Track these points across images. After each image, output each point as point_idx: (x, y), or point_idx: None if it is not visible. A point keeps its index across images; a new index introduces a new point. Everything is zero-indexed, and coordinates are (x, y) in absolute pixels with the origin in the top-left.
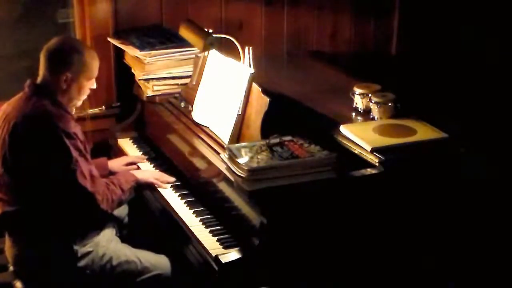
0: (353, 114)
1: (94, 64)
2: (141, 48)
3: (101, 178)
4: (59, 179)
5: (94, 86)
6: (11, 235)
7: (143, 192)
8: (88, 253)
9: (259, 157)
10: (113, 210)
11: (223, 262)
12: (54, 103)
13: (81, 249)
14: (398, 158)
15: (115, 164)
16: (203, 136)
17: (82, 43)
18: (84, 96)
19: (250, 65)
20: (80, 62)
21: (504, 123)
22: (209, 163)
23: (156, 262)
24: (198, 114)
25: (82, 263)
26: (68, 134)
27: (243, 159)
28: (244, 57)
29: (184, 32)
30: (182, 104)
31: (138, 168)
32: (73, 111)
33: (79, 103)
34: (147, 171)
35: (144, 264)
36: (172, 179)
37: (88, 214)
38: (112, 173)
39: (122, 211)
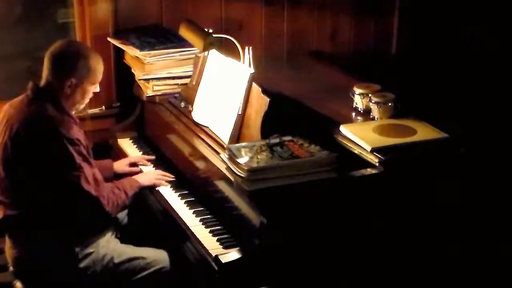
0: (353, 114)
1: (98, 69)
2: (141, 48)
3: (106, 182)
4: (63, 185)
5: (98, 89)
6: (12, 237)
7: (143, 192)
8: (89, 254)
9: (259, 157)
10: (117, 214)
11: (223, 262)
12: (57, 107)
13: (82, 251)
14: (398, 158)
15: (119, 165)
16: (203, 136)
17: (87, 47)
18: (87, 100)
19: (250, 65)
20: (85, 67)
21: (504, 123)
22: (209, 163)
23: (157, 256)
24: (198, 114)
25: (83, 264)
26: (71, 141)
27: (243, 159)
28: (244, 57)
29: (184, 32)
30: (182, 104)
31: (141, 171)
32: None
33: (82, 106)
34: (148, 174)
35: (146, 260)
36: (172, 177)
37: (93, 217)
38: (116, 174)
39: (121, 212)
